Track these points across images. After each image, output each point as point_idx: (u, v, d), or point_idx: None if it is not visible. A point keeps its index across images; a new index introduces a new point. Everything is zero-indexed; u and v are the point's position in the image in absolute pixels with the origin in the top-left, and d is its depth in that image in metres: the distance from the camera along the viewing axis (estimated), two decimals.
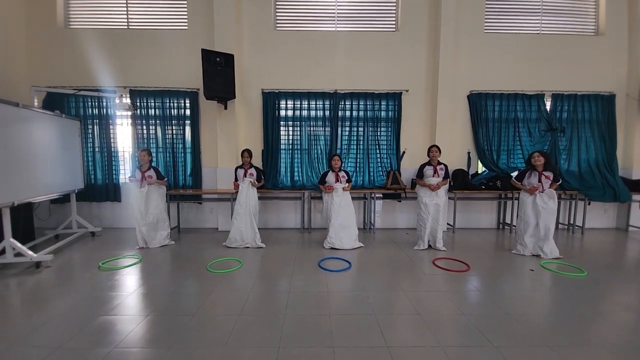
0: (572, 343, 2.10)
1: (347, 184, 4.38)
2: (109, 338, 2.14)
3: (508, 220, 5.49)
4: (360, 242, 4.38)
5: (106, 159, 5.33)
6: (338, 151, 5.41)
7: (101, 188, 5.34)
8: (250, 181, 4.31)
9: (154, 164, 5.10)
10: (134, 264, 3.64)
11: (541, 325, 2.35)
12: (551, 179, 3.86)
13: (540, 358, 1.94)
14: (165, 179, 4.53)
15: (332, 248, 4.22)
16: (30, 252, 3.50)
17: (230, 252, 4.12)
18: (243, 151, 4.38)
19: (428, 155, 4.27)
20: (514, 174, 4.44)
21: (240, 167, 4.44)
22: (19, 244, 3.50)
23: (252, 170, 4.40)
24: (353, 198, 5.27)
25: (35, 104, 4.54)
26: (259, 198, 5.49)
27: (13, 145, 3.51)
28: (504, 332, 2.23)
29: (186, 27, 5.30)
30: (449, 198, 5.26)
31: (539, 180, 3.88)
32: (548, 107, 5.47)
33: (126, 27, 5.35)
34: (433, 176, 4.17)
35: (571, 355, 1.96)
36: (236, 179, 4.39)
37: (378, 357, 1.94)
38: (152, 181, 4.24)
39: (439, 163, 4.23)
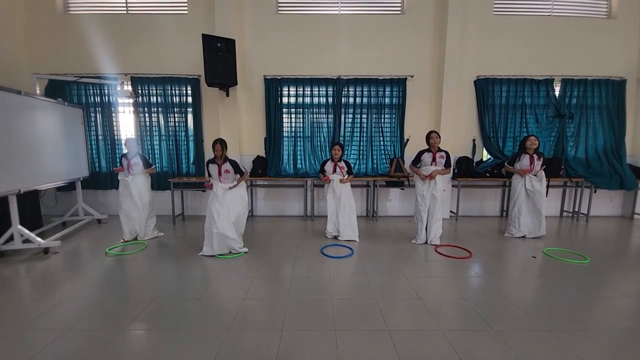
0: (572, 328, 2.12)
1: (346, 176, 4.09)
2: (117, 320, 2.20)
3: None
4: (356, 238, 4.04)
5: (110, 147, 5.34)
6: (341, 139, 5.36)
7: (106, 176, 5.38)
8: (229, 186, 3.51)
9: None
10: (140, 250, 3.71)
11: (542, 310, 2.36)
12: (541, 161, 4.11)
13: (539, 342, 1.96)
14: (154, 166, 4.43)
15: (334, 237, 4.14)
16: (38, 239, 3.56)
17: None
18: (215, 142, 3.49)
19: (427, 142, 3.94)
20: (507, 160, 4.46)
21: (213, 161, 3.58)
22: (26, 231, 3.56)
23: (228, 166, 3.53)
24: (356, 186, 5.29)
25: (38, 91, 4.53)
26: (263, 186, 5.58)
27: (17, 133, 3.53)
28: (504, 317, 2.25)
29: (186, 12, 5.20)
30: (453, 186, 5.25)
31: (530, 163, 4.10)
32: (557, 93, 5.35)
33: (125, 11, 5.25)
34: (431, 164, 3.88)
35: (571, 339, 1.98)
36: (209, 175, 3.62)
37: (379, 341, 1.97)
38: (145, 171, 4.15)
39: (439, 150, 3.91)
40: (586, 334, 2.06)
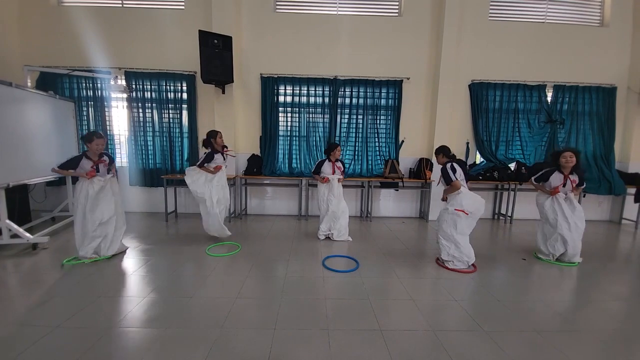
0: (561, 329, 2.16)
1: (341, 176, 4.15)
2: (108, 318, 2.17)
3: (503, 211, 5.55)
4: (350, 237, 4.11)
5: None
6: (337, 139, 5.37)
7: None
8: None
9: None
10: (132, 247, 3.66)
11: (531, 312, 2.40)
12: (576, 182, 3.38)
13: (529, 343, 2.00)
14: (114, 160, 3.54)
15: (326, 238, 4.12)
16: (26, 234, 3.49)
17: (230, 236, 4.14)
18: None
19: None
20: (535, 176, 3.61)
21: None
22: (15, 226, 3.48)
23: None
24: (350, 186, 5.32)
25: (29, 84, 4.44)
26: (257, 184, 5.55)
27: (7, 126, 3.45)
28: (494, 318, 2.29)
29: (183, 7, 5.15)
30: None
31: (564, 185, 3.36)
32: (549, 99, 5.44)
33: (120, 5, 5.18)
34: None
35: (559, 340, 2.02)
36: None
37: (372, 340, 1.98)
38: (113, 168, 3.42)
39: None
40: (575, 335, 2.10)
